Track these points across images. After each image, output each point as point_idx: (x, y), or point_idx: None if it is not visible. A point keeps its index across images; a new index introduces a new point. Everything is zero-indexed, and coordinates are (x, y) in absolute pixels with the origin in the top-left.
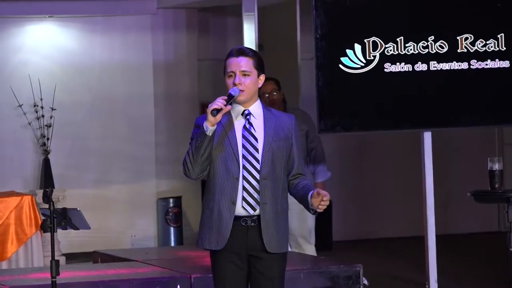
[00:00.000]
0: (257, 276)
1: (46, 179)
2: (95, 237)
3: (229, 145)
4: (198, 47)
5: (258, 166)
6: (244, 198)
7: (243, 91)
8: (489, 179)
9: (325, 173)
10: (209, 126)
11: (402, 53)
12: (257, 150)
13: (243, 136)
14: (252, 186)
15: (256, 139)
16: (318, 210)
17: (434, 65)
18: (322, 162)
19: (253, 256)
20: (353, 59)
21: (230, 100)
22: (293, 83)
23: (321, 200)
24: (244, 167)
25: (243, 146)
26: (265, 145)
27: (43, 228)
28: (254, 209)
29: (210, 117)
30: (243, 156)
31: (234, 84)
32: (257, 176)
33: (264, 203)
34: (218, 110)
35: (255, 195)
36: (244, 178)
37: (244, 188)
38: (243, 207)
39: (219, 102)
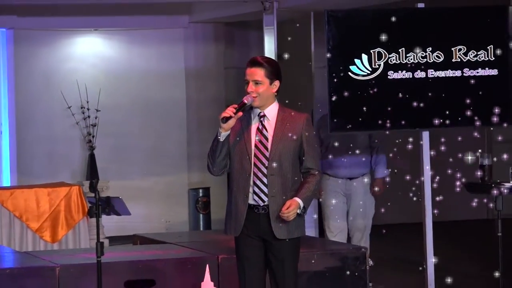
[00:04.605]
0: (270, 258)
1: (92, 172)
2: (134, 222)
3: (244, 145)
4: (224, 57)
5: (266, 163)
6: (254, 192)
7: (255, 97)
8: (479, 172)
9: (385, 170)
10: (222, 132)
11: (403, 62)
12: (267, 149)
13: (256, 137)
14: (261, 181)
15: (267, 139)
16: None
17: (431, 73)
18: (382, 161)
19: (266, 241)
20: (361, 68)
21: (243, 106)
22: (308, 88)
23: (281, 212)
24: (255, 164)
25: (255, 146)
26: (272, 144)
27: (90, 214)
28: (263, 201)
29: (221, 123)
30: (255, 154)
31: (248, 92)
32: (266, 172)
33: (271, 195)
34: (227, 118)
35: (264, 188)
36: (254, 174)
37: (254, 183)
38: (253, 199)
39: (229, 111)
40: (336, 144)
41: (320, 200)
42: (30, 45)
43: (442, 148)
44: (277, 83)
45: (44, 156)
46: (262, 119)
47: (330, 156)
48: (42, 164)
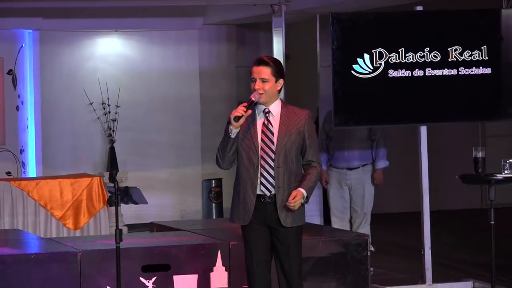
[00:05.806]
0: (276, 244)
1: (112, 164)
2: (151, 211)
3: (251, 139)
4: (236, 56)
5: (273, 156)
6: (261, 183)
7: (262, 94)
8: (473, 164)
9: (384, 162)
10: (233, 129)
11: (403, 62)
12: (273, 143)
13: (262, 131)
14: (268, 173)
15: (272, 134)
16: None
17: (429, 72)
18: (383, 152)
19: (272, 228)
20: (363, 66)
21: (251, 104)
22: (314, 86)
23: (288, 201)
24: (261, 157)
25: (262, 140)
26: (278, 139)
27: (109, 203)
28: (270, 191)
29: (233, 122)
30: (261, 148)
31: (255, 89)
32: (272, 164)
33: (278, 186)
34: (239, 117)
35: (271, 180)
36: (261, 166)
37: (261, 175)
38: (261, 190)
39: (240, 110)
40: (335, 136)
41: (326, 188)
42: (54, 46)
43: (439, 141)
44: (281, 81)
45: (68, 149)
46: (267, 114)
47: (332, 148)
48: (65, 157)
